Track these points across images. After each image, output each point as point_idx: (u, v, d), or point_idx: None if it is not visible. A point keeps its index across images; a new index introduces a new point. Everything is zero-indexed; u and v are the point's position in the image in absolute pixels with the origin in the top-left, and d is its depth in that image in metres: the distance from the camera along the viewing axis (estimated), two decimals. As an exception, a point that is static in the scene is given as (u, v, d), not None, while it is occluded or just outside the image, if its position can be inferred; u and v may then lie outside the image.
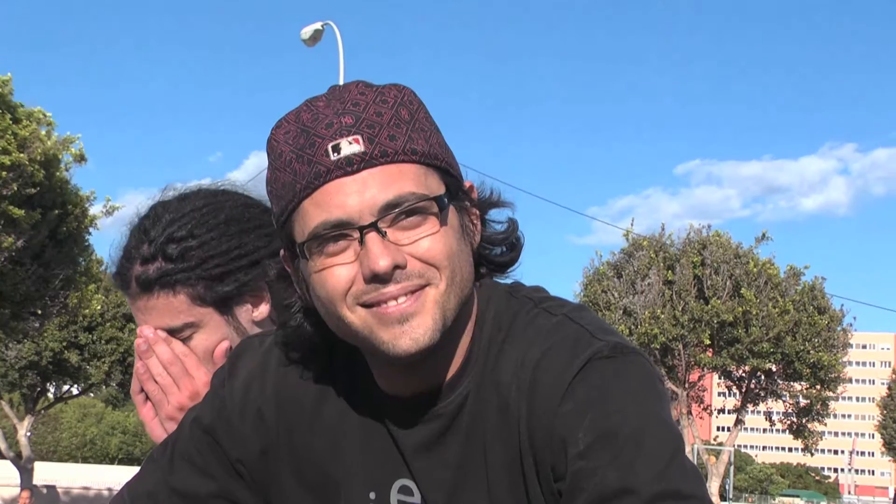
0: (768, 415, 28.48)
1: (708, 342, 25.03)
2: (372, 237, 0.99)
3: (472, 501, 1.07)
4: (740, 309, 24.27)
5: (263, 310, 1.43)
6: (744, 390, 26.86)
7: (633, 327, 24.67)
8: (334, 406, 1.15)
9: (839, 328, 25.90)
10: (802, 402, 27.29)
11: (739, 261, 25.08)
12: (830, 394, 26.89)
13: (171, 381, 1.38)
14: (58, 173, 14.86)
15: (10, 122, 13.85)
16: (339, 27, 19.67)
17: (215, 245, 1.39)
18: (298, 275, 1.08)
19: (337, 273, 1.01)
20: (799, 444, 28.97)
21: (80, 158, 15.52)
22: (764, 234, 26.12)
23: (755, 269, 24.84)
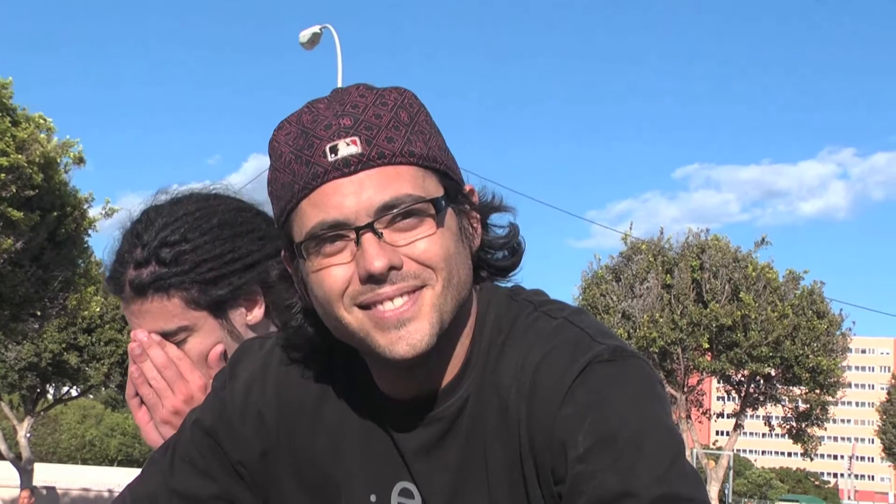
0: (767, 419, 28.48)
1: (707, 346, 25.04)
2: (368, 238, 0.99)
3: None
4: (739, 313, 24.28)
5: (258, 313, 1.43)
6: (743, 394, 26.87)
7: (631, 331, 24.68)
8: (335, 408, 1.15)
9: (838, 332, 25.91)
10: (802, 406, 27.28)
11: (738, 265, 25.10)
12: (830, 398, 26.89)
13: (166, 385, 1.38)
14: (57, 175, 14.87)
15: (10, 124, 13.86)
16: (337, 30, 19.70)
17: (209, 249, 1.39)
18: (298, 275, 1.08)
19: (334, 273, 1.01)
20: (798, 448, 28.96)
21: (80, 161, 15.53)
22: (763, 239, 26.16)
23: (754, 273, 24.86)
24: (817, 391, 26.12)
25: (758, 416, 28.79)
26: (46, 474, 30.97)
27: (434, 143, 1.06)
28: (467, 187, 1.10)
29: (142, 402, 1.41)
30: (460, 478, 1.07)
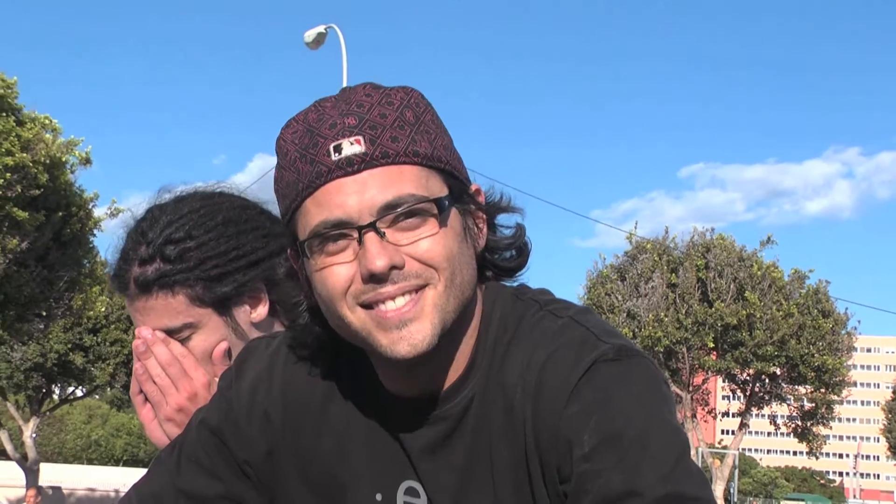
0: (773, 418, 28.44)
1: (712, 345, 24.99)
2: (370, 237, 1.00)
3: (477, 503, 1.07)
4: (744, 312, 24.23)
5: (262, 311, 1.43)
6: (748, 394, 26.81)
7: (636, 330, 24.64)
8: (341, 408, 1.15)
9: (844, 331, 25.84)
10: (807, 405, 27.23)
11: (743, 264, 25.04)
12: (835, 397, 26.82)
13: (170, 383, 1.38)
14: (62, 175, 14.88)
15: (14, 124, 13.88)
16: (342, 29, 19.72)
17: (213, 246, 1.39)
18: (303, 273, 1.09)
19: (336, 272, 1.02)
20: (804, 447, 28.90)
21: (86, 161, 15.55)
22: (769, 238, 26.08)
23: (759, 273, 24.80)
24: (823, 390, 26.05)
25: (763, 415, 28.74)
26: (52, 474, 31.06)
27: (439, 143, 1.06)
28: (473, 187, 1.10)
29: (146, 399, 1.41)
30: (466, 477, 1.08)
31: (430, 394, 1.09)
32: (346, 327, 1.04)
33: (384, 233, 1.00)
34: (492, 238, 1.12)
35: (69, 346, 24.20)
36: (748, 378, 26.57)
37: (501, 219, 1.13)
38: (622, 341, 1.03)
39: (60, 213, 15.01)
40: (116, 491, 28.82)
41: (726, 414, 30.85)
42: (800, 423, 27.76)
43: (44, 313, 16.27)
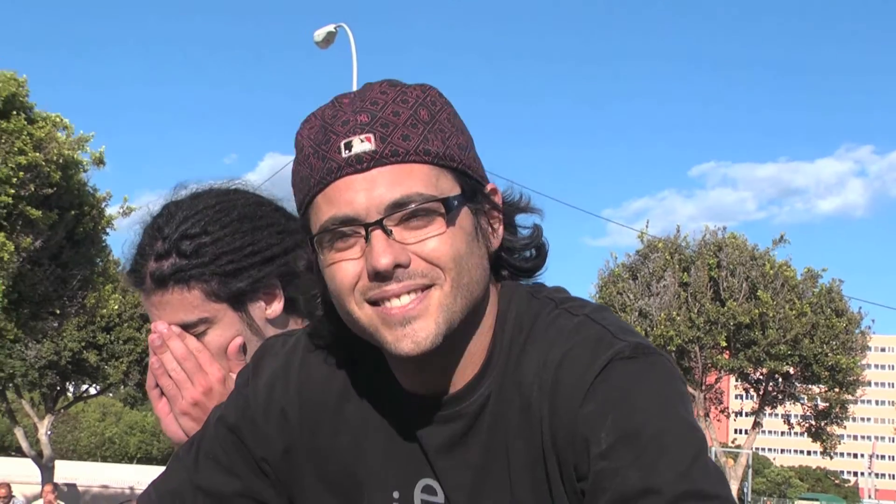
0: (786, 417, 28.31)
1: (724, 344, 24.91)
2: (377, 235, 1.00)
3: (494, 501, 1.07)
4: (757, 311, 24.14)
5: (276, 307, 1.43)
6: (761, 393, 26.71)
7: (648, 329, 24.57)
8: (357, 406, 1.15)
9: (857, 330, 25.72)
10: (821, 404, 27.10)
11: (756, 263, 24.95)
12: (849, 397, 26.70)
13: (185, 377, 1.39)
14: (75, 174, 14.95)
15: (26, 122, 13.95)
16: (352, 28, 19.72)
17: (229, 242, 1.40)
18: (317, 267, 1.09)
19: (344, 267, 1.02)
20: (818, 447, 28.76)
21: (99, 162, 15.62)
22: (782, 237, 25.99)
23: (772, 271, 24.71)
24: (836, 389, 25.93)
25: (777, 415, 28.61)
26: (67, 471, 31.21)
27: (453, 142, 1.06)
28: (489, 187, 1.10)
29: (162, 393, 1.42)
30: (482, 475, 1.08)
31: (445, 392, 1.09)
32: (355, 322, 1.05)
33: (391, 231, 1.01)
34: (508, 238, 1.11)
35: (83, 344, 24.34)
36: (761, 377, 26.47)
37: (519, 219, 1.13)
38: (638, 339, 1.03)
39: (73, 212, 15.09)
40: (131, 488, 28.97)
41: (739, 413, 30.71)
42: (814, 422, 27.63)
43: (58, 311, 16.37)
